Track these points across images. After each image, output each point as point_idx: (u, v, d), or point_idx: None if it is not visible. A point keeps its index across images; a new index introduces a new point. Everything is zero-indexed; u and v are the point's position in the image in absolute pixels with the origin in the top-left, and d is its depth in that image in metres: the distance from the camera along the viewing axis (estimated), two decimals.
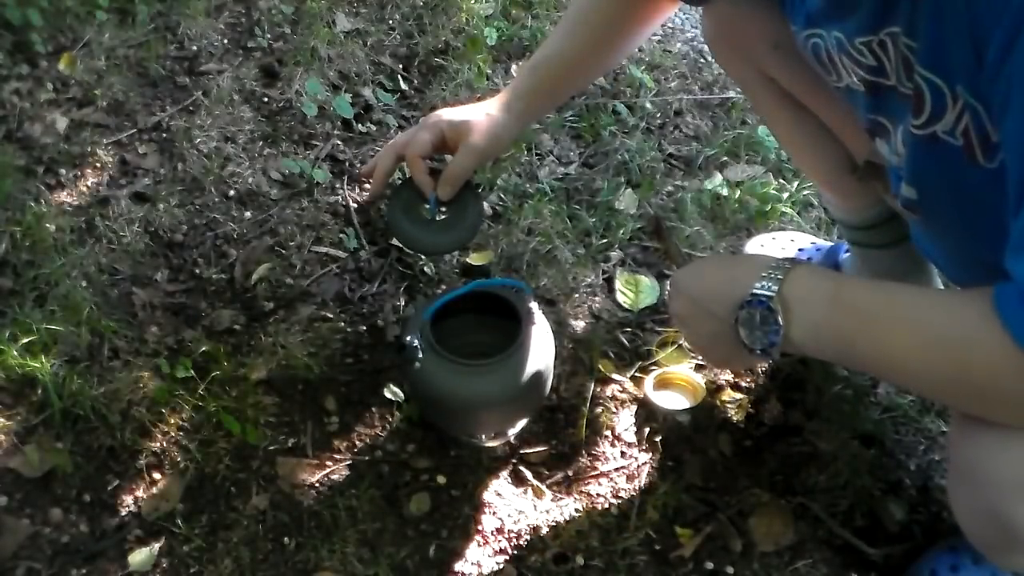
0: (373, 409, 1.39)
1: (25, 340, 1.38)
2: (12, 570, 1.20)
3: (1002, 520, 0.85)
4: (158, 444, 1.33)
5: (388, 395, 1.39)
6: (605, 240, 1.64)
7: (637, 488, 1.31)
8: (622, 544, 1.25)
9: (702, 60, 2.08)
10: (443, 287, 1.56)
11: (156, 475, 1.30)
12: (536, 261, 1.60)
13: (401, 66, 1.98)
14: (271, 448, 1.33)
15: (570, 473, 1.33)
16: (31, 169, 1.68)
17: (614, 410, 1.40)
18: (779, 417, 1.39)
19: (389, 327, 1.50)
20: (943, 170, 0.83)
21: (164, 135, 1.79)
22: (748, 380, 1.45)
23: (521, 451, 1.35)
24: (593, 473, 1.33)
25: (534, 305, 1.29)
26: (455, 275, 1.59)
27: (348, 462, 1.32)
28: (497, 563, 1.23)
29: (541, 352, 1.25)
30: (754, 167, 1.82)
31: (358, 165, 1.76)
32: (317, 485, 1.30)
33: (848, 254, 1.47)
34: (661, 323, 1.53)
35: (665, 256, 1.58)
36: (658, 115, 1.93)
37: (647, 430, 1.38)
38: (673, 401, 1.41)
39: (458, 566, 1.22)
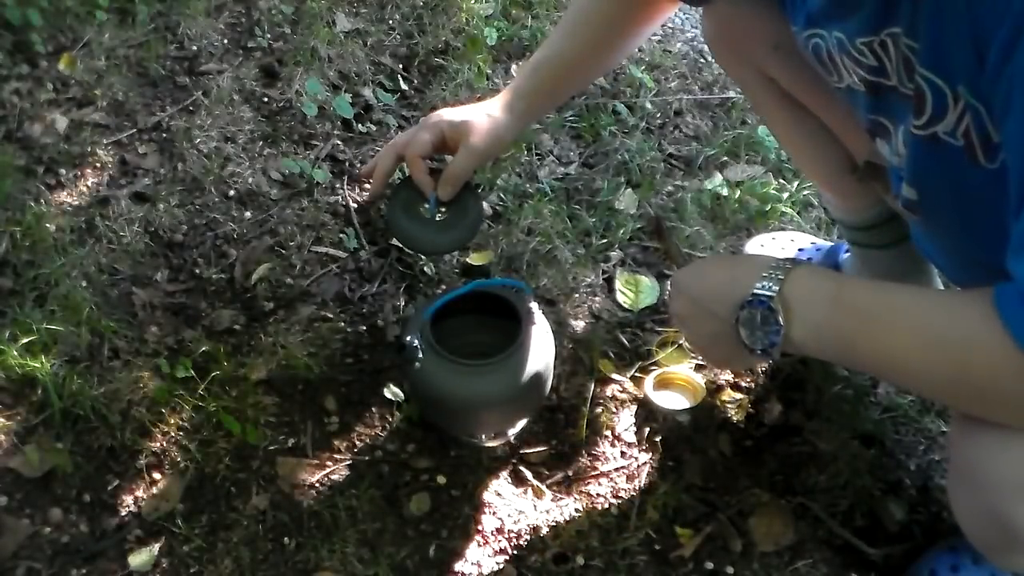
0: (373, 409, 1.39)
1: (25, 340, 1.38)
2: (12, 570, 1.20)
3: (1002, 520, 0.85)
4: (158, 444, 1.33)
5: (388, 395, 1.39)
6: (605, 240, 1.64)
7: (637, 488, 1.31)
8: (622, 544, 1.25)
9: (702, 60, 2.08)
10: (443, 287, 1.56)
11: (156, 475, 1.30)
12: (536, 261, 1.60)
13: (401, 66, 1.98)
14: (271, 448, 1.33)
15: (570, 473, 1.33)
16: (31, 169, 1.68)
17: (614, 410, 1.40)
18: (779, 417, 1.39)
19: (389, 327, 1.50)
20: (944, 171, 0.83)
21: (164, 135, 1.79)
22: (748, 380, 1.45)
23: (521, 451, 1.35)
24: (593, 473, 1.33)
25: (534, 305, 1.29)
26: (455, 275, 1.59)
27: (348, 462, 1.32)
28: (497, 563, 1.23)
29: (541, 352, 1.25)
30: (754, 167, 1.82)
31: (358, 165, 1.76)
32: (317, 485, 1.30)
33: (848, 254, 1.47)
34: (661, 323, 1.53)
35: (665, 256, 1.58)
36: (658, 115, 1.93)
37: (647, 430, 1.38)
38: (673, 401, 1.41)
39: (458, 566, 1.22)
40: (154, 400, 1.36)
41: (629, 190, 1.74)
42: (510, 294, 1.30)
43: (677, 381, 1.43)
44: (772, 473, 1.33)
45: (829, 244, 1.57)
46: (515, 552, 1.24)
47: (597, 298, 1.56)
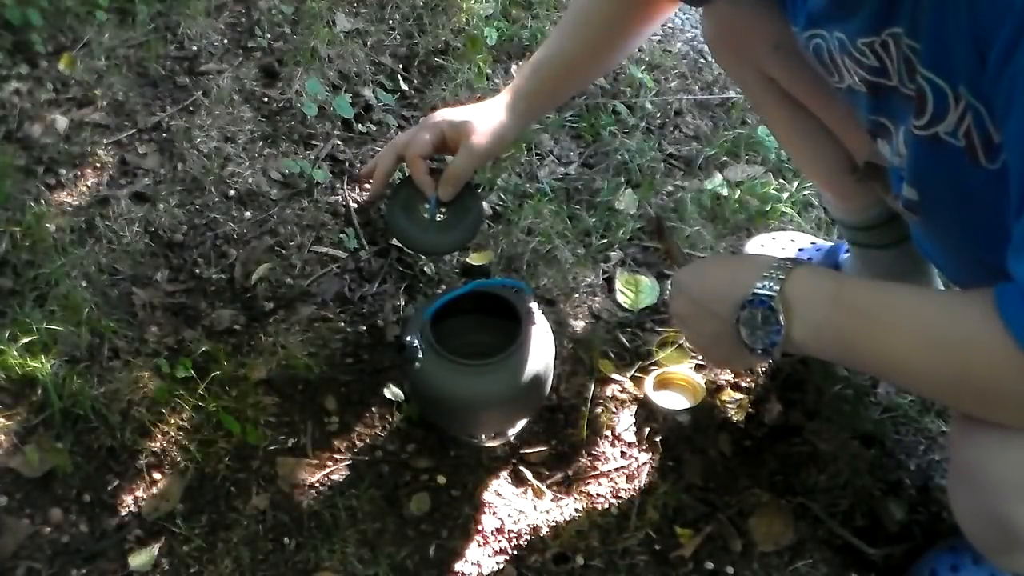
0: (373, 409, 1.39)
1: (25, 340, 1.38)
2: (12, 570, 1.20)
3: (1002, 521, 0.85)
4: (158, 444, 1.33)
5: (388, 395, 1.39)
6: (605, 240, 1.64)
7: (637, 488, 1.31)
8: (622, 544, 1.25)
9: (702, 60, 2.08)
10: (443, 287, 1.56)
11: (156, 475, 1.30)
12: (536, 261, 1.60)
13: (401, 66, 1.98)
14: (271, 448, 1.33)
15: (570, 473, 1.33)
16: (31, 169, 1.68)
17: (614, 410, 1.40)
18: (779, 417, 1.39)
19: (389, 327, 1.50)
20: (945, 171, 0.83)
21: (164, 135, 1.79)
22: (748, 380, 1.45)
23: (521, 451, 1.35)
24: (593, 473, 1.33)
25: (534, 305, 1.29)
26: (455, 275, 1.59)
27: (348, 462, 1.32)
28: (497, 563, 1.23)
29: (541, 352, 1.25)
30: (754, 167, 1.82)
31: (358, 165, 1.76)
32: (317, 485, 1.30)
33: (848, 254, 1.47)
34: (661, 323, 1.53)
35: (666, 256, 1.58)
36: (658, 115, 1.93)
37: (647, 430, 1.38)
38: (673, 401, 1.41)
39: (458, 566, 1.22)
40: (154, 400, 1.36)
41: (629, 190, 1.74)
42: (510, 294, 1.30)
43: (677, 381, 1.43)
44: (772, 473, 1.33)
45: (829, 244, 1.57)
46: (515, 552, 1.24)
47: (597, 298, 1.56)
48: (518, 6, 2.13)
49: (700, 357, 1.44)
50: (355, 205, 1.69)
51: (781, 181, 1.78)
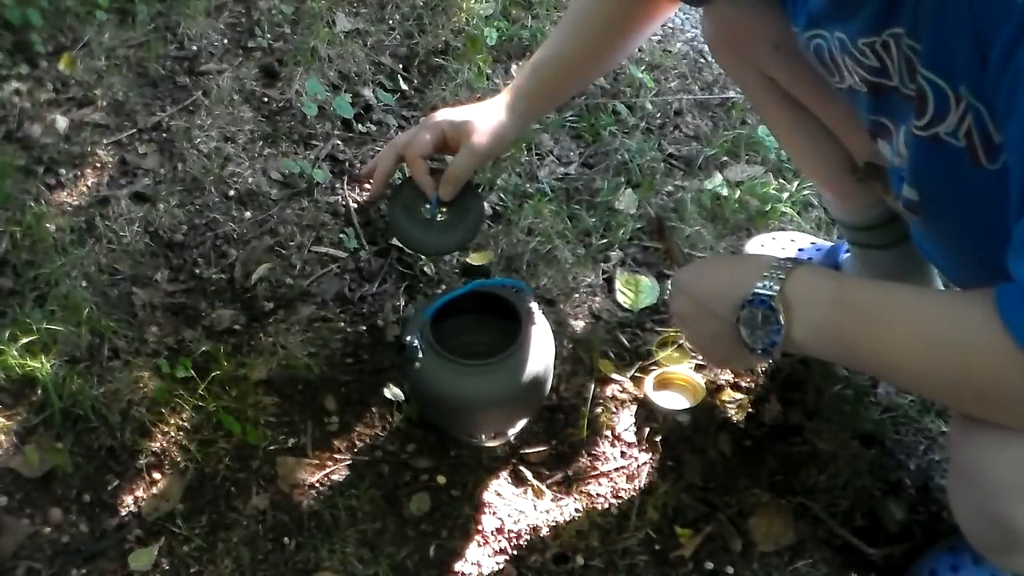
0: (373, 409, 1.39)
1: (25, 340, 1.38)
2: (12, 570, 1.19)
3: (1001, 521, 0.85)
4: (158, 444, 1.33)
5: (388, 395, 1.39)
6: (605, 240, 1.64)
7: (637, 488, 1.31)
8: (622, 544, 1.25)
9: (702, 60, 2.08)
10: (443, 287, 1.56)
11: (156, 475, 1.30)
12: (536, 261, 1.60)
13: (401, 66, 1.98)
14: (271, 448, 1.33)
15: (570, 473, 1.33)
16: (31, 169, 1.68)
17: (614, 410, 1.40)
18: (779, 417, 1.39)
19: (389, 327, 1.50)
20: (945, 171, 0.83)
21: (164, 135, 1.79)
22: (748, 380, 1.45)
23: (521, 451, 1.35)
24: (593, 473, 1.33)
25: (534, 305, 1.29)
26: (455, 275, 1.59)
27: (348, 462, 1.32)
28: (497, 563, 1.23)
29: (541, 352, 1.25)
30: (754, 167, 1.82)
31: (358, 165, 1.76)
32: (317, 485, 1.30)
33: (848, 254, 1.47)
34: (661, 323, 1.53)
35: (666, 256, 1.58)
36: (658, 115, 1.93)
37: (647, 430, 1.38)
38: (673, 401, 1.41)
39: (458, 566, 1.22)
40: (154, 400, 1.36)
41: (629, 190, 1.74)
42: (510, 294, 1.30)
43: (677, 381, 1.43)
44: (772, 473, 1.33)
45: (829, 244, 1.57)
46: (515, 552, 1.24)
47: (597, 298, 1.56)
48: (518, 6, 2.13)
49: (700, 357, 1.44)
50: (355, 205, 1.69)
51: (781, 181, 1.78)
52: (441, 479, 1.31)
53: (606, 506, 1.29)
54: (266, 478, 1.30)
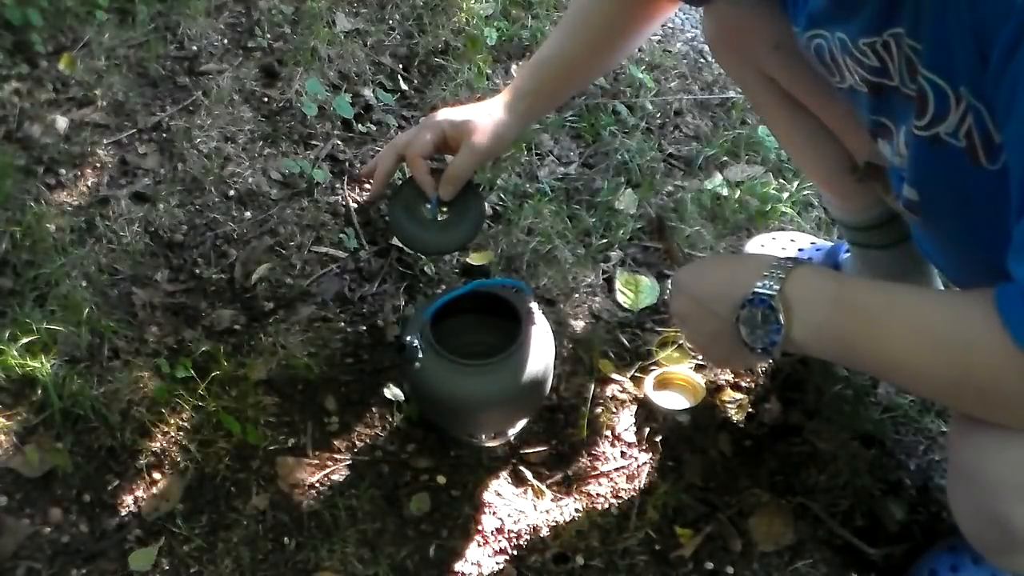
0: (373, 409, 1.39)
1: (25, 340, 1.38)
2: (12, 570, 1.19)
3: (1001, 521, 0.84)
4: (158, 444, 1.33)
5: (388, 395, 1.39)
6: (605, 240, 1.65)
7: (637, 488, 1.31)
8: (622, 544, 1.25)
9: (702, 60, 2.08)
10: (443, 287, 1.56)
11: (156, 475, 1.30)
12: (536, 261, 1.60)
13: (401, 66, 1.98)
14: (271, 448, 1.33)
15: (570, 473, 1.33)
16: (31, 169, 1.68)
17: (614, 410, 1.40)
18: (779, 417, 1.39)
19: (389, 327, 1.50)
20: (945, 172, 0.83)
21: (164, 135, 1.79)
22: (748, 380, 1.45)
23: (521, 451, 1.35)
24: (593, 473, 1.33)
25: (534, 305, 1.29)
26: (455, 275, 1.59)
27: (348, 462, 1.32)
28: (497, 563, 1.23)
29: (541, 352, 1.25)
30: (754, 167, 1.82)
31: (358, 165, 1.76)
32: (317, 485, 1.30)
33: (848, 254, 1.47)
34: (661, 323, 1.53)
35: (666, 256, 1.58)
36: (658, 115, 1.93)
37: (647, 430, 1.38)
38: (673, 401, 1.41)
39: (458, 566, 1.22)
40: (154, 400, 1.36)
41: (629, 190, 1.74)
42: (510, 294, 1.30)
43: (677, 381, 1.43)
44: (772, 473, 1.33)
45: (829, 244, 1.57)
46: (515, 552, 1.24)
47: (597, 298, 1.56)
48: (518, 6, 2.13)
49: (700, 356, 1.44)
50: (355, 205, 1.69)
51: (781, 181, 1.78)
52: (441, 479, 1.31)
53: (606, 506, 1.29)
54: (266, 478, 1.30)
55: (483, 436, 1.33)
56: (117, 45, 1.93)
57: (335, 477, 1.31)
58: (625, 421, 1.39)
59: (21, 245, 1.54)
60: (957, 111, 0.77)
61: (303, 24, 2.00)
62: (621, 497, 1.30)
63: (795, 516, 1.28)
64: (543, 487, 1.31)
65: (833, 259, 1.51)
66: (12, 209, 1.59)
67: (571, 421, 1.39)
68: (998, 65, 0.68)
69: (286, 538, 1.24)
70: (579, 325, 1.51)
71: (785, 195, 1.73)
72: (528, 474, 1.32)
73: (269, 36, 1.99)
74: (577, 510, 1.29)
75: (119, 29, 1.96)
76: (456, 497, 1.29)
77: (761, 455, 1.35)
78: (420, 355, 1.21)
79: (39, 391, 1.35)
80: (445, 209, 1.24)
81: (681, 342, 1.47)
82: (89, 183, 1.68)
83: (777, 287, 0.84)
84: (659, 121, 1.92)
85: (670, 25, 2.17)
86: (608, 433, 1.38)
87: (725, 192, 1.74)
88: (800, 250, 1.57)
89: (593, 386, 1.42)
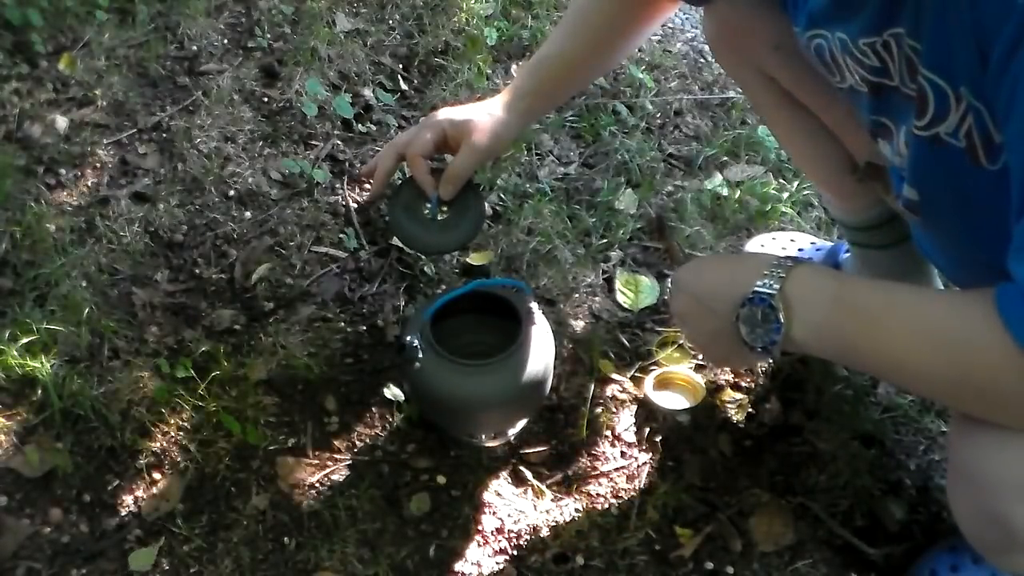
0: (373, 409, 1.39)
1: (25, 340, 1.38)
2: (12, 570, 1.19)
3: (1001, 521, 0.84)
4: (158, 444, 1.33)
5: (388, 395, 1.39)
6: (605, 240, 1.65)
7: (637, 488, 1.31)
8: (622, 544, 1.25)
9: (702, 60, 2.08)
10: (443, 287, 1.56)
11: (156, 475, 1.30)
12: (536, 261, 1.60)
13: (401, 66, 1.98)
14: (271, 448, 1.33)
15: (570, 473, 1.33)
16: (31, 169, 1.68)
17: (614, 410, 1.40)
18: (779, 417, 1.39)
19: (389, 327, 1.50)
20: (945, 172, 0.83)
21: (164, 135, 1.79)
22: (748, 380, 1.45)
23: (521, 451, 1.35)
24: (593, 473, 1.33)
25: (534, 305, 1.29)
26: (455, 275, 1.59)
27: (348, 462, 1.32)
28: (497, 563, 1.23)
29: (541, 352, 1.25)
30: (754, 167, 1.82)
31: (358, 165, 1.76)
32: (317, 485, 1.30)
33: (848, 254, 1.47)
34: (661, 323, 1.53)
35: (666, 256, 1.58)
36: (658, 115, 1.93)
37: (647, 430, 1.38)
38: (673, 401, 1.41)
39: (458, 566, 1.22)
40: (154, 400, 1.36)
41: (629, 190, 1.74)
42: (510, 294, 1.30)
43: (677, 381, 1.43)
44: (772, 473, 1.33)
45: (829, 244, 1.57)
46: (515, 552, 1.24)
47: (597, 298, 1.56)
48: (518, 6, 2.13)
49: (700, 356, 1.44)
50: (355, 205, 1.69)
51: (781, 181, 1.78)
52: (441, 479, 1.31)
53: (606, 506, 1.29)
54: (266, 478, 1.30)
55: (483, 436, 1.33)
56: (117, 45, 1.93)
57: (335, 477, 1.31)
58: (625, 421, 1.39)
59: (21, 245, 1.54)
60: (957, 111, 0.77)
61: (303, 24, 2.00)
62: (621, 497, 1.30)
63: (795, 516, 1.28)
64: (543, 487, 1.31)
65: (833, 259, 1.51)
66: (12, 209, 1.59)
67: (571, 421, 1.39)
68: (998, 65, 0.68)
69: (286, 538, 1.24)
70: (579, 325, 1.51)
71: (785, 195, 1.73)
72: (528, 474, 1.32)
73: (269, 36, 1.99)
74: (577, 510, 1.29)
75: (119, 29, 1.96)
76: (456, 497, 1.29)
77: (761, 455, 1.35)
78: (420, 355, 1.21)
79: (39, 391, 1.35)
80: (445, 209, 1.24)
81: (681, 342, 1.47)
82: (89, 183, 1.68)
83: (777, 286, 0.84)
84: (659, 121, 1.92)
85: (670, 25, 2.17)
86: (608, 433, 1.38)
87: (725, 192, 1.74)
88: (800, 250, 1.57)
89: (593, 386, 1.42)
